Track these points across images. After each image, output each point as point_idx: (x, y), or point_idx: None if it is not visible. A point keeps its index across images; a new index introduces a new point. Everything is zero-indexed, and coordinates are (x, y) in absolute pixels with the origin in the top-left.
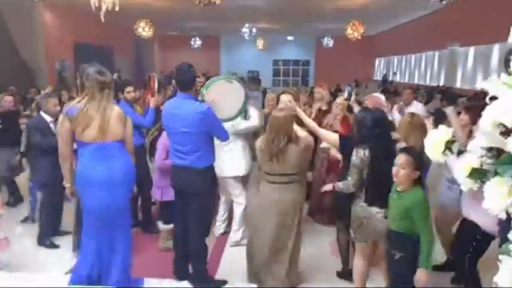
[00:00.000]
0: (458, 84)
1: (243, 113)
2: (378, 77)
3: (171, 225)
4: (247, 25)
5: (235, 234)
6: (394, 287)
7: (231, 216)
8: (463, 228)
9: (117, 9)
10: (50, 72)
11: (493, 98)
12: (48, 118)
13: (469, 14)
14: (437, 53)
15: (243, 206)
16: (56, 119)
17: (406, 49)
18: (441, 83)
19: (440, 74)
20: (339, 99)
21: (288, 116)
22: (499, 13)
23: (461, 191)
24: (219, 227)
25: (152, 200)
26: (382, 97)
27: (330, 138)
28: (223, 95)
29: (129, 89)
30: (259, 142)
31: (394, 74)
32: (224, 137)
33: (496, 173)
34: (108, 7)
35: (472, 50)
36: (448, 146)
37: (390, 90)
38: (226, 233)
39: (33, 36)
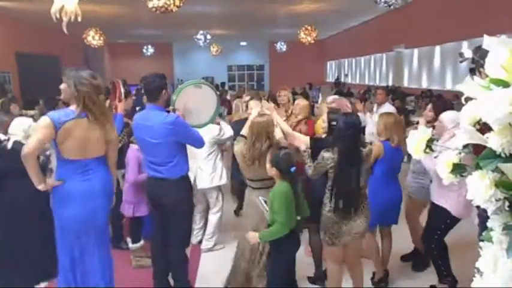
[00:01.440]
0: (405, 84)
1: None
2: (330, 79)
3: (141, 243)
4: (201, 32)
5: (208, 241)
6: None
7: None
8: (433, 213)
9: (79, 19)
10: None
11: (468, 99)
12: (1, 136)
13: (413, 18)
14: (384, 55)
15: (219, 214)
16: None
17: (355, 52)
18: (390, 83)
19: (389, 74)
20: (301, 101)
21: (269, 121)
22: (439, 17)
23: (430, 180)
24: (196, 235)
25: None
26: (346, 101)
27: (302, 140)
28: (194, 101)
29: None
30: (239, 148)
31: (346, 75)
32: (198, 144)
33: (477, 167)
34: (71, 18)
35: (416, 52)
36: (429, 144)
37: (344, 91)
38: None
39: None
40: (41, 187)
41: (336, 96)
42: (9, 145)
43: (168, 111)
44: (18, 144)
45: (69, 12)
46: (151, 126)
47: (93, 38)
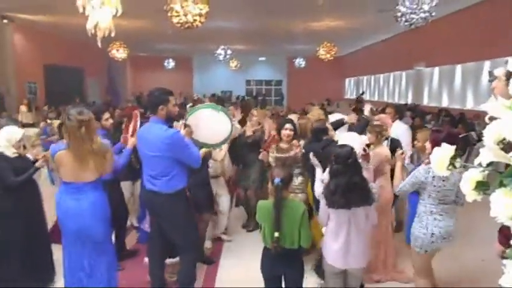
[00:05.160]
0: (425, 102)
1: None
2: (349, 96)
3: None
4: (222, 47)
5: None
6: None
7: None
8: None
9: (113, 34)
10: (19, 94)
11: (492, 118)
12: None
13: (434, 36)
14: (404, 73)
15: None
16: None
17: (374, 69)
18: (409, 101)
19: (408, 92)
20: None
21: None
22: (461, 37)
23: None
24: None
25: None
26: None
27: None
28: (208, 122)
29: (106, 115)
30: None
31: (363, 93)
32: (194, 163)
33: (501, 185)
34: (105, 33)
35: (437, 70)
36: (452, 161)
37: (362, 108)
38: None
39: (2, 58)
40: None
41: (382, 115)
42: None
43: (171, 126)
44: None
45: (103, 28)
46: (150, 139)
47: (117, 51)
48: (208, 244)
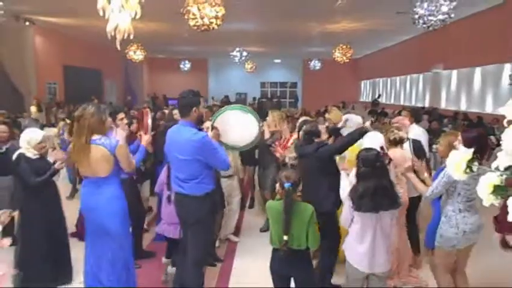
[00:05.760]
0: (443, 105)
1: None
2: (364, 98)
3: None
4: (238, 49)
5: None
6: None
7: None
8: None
9: (131, 37)
10: (39, 95)
11: (510, 122)
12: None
13: (452, 39)
14: (421, 76)
15: None
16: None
17: (390, 72)
18: (426, 104)
19: (425, 95)
20: None
21: None
22: (480, 39)
23: None
24: None
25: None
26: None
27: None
28: (235, 124)
29: (121, 115)
30: None
31: (380, 96)
32: (222, 166)
33: None
34: (124, 36)
35: (455, 73)
36: (469, 165)
37: (377, 111)
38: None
39: (23, 59)
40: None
41: (400, 117)
42: (14, 156)
43: (201, 129)
44: (22, 156)
45: (122, 30)
46: (179, 142)
47: (134, 53)
48: (216, 243)
